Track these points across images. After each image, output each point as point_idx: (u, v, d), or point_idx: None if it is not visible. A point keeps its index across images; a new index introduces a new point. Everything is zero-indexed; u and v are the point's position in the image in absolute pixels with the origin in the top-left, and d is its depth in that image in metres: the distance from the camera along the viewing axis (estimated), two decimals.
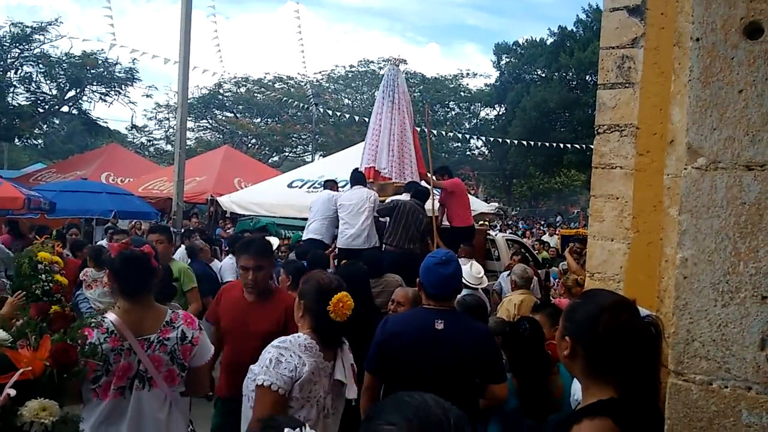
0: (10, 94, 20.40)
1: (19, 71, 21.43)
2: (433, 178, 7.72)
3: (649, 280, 2.21)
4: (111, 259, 2.59)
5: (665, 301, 1.90)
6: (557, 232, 18.06)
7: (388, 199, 7.17)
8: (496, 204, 21.57)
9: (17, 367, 1.87)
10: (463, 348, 2.87)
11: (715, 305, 1.42)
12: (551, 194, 46.25)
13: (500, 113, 39.51)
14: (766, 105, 1.37)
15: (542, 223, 29.02)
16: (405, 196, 6.99)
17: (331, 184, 8.05)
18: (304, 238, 7.22)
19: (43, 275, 4.77)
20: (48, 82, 22.10)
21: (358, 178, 7.31)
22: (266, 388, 2.27)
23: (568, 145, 24.73)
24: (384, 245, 6.58)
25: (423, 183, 7.62)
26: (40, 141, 32.32)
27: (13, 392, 1.81)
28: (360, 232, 6.62)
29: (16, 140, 23.45)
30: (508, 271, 6.56)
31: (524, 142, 25.11)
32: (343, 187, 8.51)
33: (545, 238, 17.38)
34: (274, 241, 6.51)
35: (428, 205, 7.19)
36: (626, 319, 1.64)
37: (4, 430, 1.81)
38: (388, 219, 6.74)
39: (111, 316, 2.48)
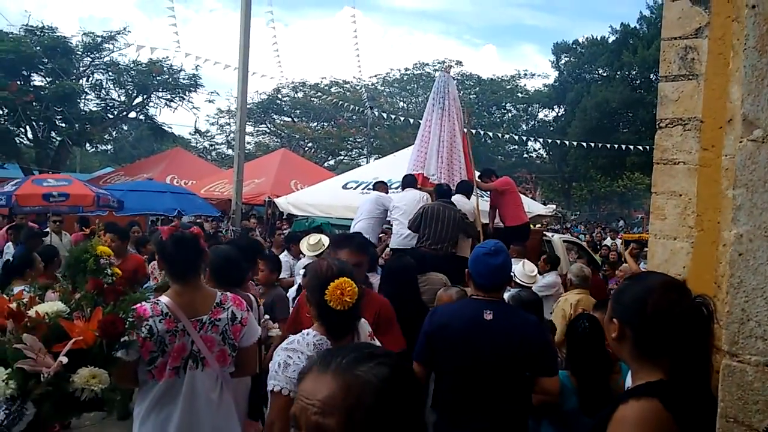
0: (82, 101, 21.50)
1: (90, 79, 22.58)
2: (478, 181, 7.69)
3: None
4: (161, 242, 2.67)
5: (722, 287, 1.82)
6: (619, 237, 17.51)
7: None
8: (554, 206, 21.09)
9: (71, 336, 1.96)
10: (512, 339, 2.83)
11: None
12: (613, 198, 44.88)
13: (559, 114, 38.73)
14: None
15: (603, 227, 28.20)
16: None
17: (380, 186, 8.13)
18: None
19: (108, 269, 5.05)
20: (117, 89, 23.17)
21: (409, 181, 7.37)
22: (277, 393, 2.25)
23: (631, 147, 23.89)
24: (420, 248, 6.53)
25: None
26: (109, 147, 33.92)
27: (65, 360, 1.90)
28: (412, 233, 6.63)
29: (87, 145, 24.67)
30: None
31: (584, 144, 24.43)
32: (394, 188, 8.56)
33: (606, 242, 16.87)
34: (326, 240, 6.58)
35: (468, 205, 7.12)
36: (675, 299, 1.59)
37: (56, 396, 1.89)
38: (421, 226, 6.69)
39: (164, 299, 2.58)
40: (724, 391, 1.41)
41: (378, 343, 2.65)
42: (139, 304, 2.44)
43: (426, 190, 7.69)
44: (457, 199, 6.99)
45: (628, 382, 2.03)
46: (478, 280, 2.99)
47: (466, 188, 7.20)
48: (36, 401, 1.87)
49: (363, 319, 2.60)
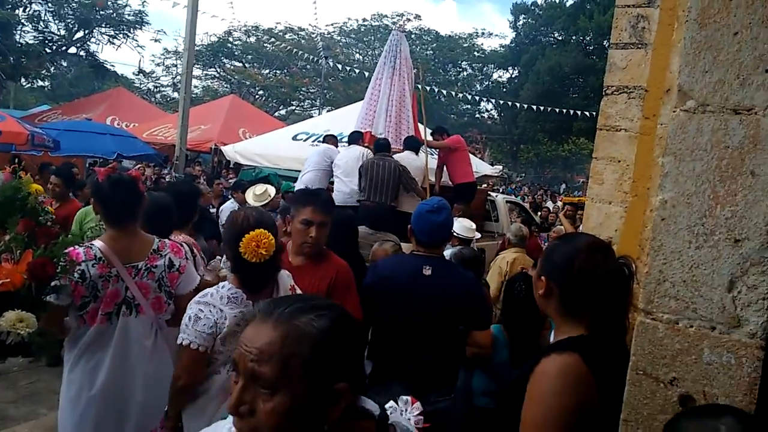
0: (18, 33, 20.14)
1: (28, 9, 21.12)
2: (429, 139, 7.74)
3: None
4: (98, 184, 2.56)
5: (645, 249, 1.92)
6: (560, 199, 18.02)
7: None
8: (501, 167, 21.43)
9: None
10: (448, 293, 2.91)
11: (689, 247, 1.43)
12: (558, 162, 45.99)
13: (513, 76, 38.96)
14: (760, 48, 1.34)
15: (545, 189, 28.92)
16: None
17: (330, 139, 8.09)
18: (296, 188, 7.24)
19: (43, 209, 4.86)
20: (56, 21, 21.80)
21: (354, 137, 7.34)
22: (186, 346, 2.22)
23: (579, 112, 24.38)
24: (358, 202, 6.58)
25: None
26: (46, 83, 32.12)
27: None
28: (354, 191, 6.62)
29: (23, 80, 23.30)
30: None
31: (534, 107, 24.77)
32: (345, 143, 8.50)
33: (548, 204, 17.36)
34: (272, 191, 6.52)
35: (416, 161, 7.15)
36: (600, 259, 1.68)
37: None
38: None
39: (98, 243, 2.50)
40: (637, 346, 1.49)
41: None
42: (72, 248, 2.36)
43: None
44: (405, 155, 6.99)
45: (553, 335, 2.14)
46: (419, 237, 3.04)
47: (413, 144, 7.20)
48: None
49: (285, 272, 2.57)
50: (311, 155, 7.59)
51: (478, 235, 6.39)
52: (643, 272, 1.51)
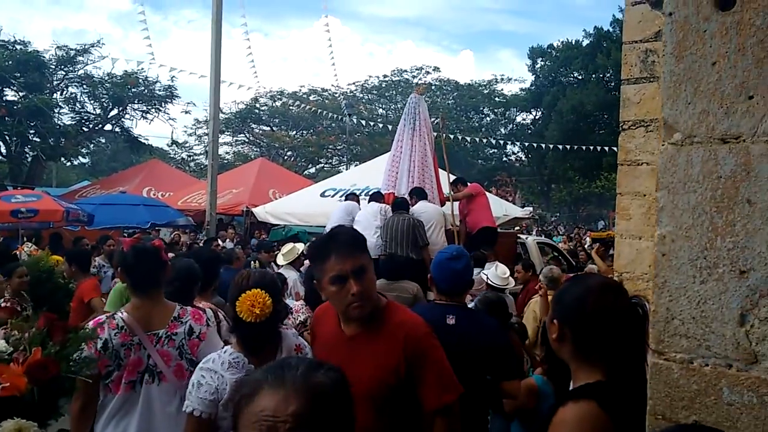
0: (56, 115, 21.22)
1: (64, 92, 22.30)
2: (451, 194, 7.87)
3: None
4: (122, 254, 2.66)
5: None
6: (587, 235, 17.69)
7: None
8: (530, 209, 21.23)
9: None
10: (473, 343, 2.85)
11: (693, 282, 1.39)
12: (591, 199, 45.26)
13: (536, 117, 39.13)
14: (740, 77, 1.34)
15: (582, 228, 28.45)
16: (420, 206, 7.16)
17: (352, 197, 8.34)
18: None
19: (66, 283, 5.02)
20: (91, 102, 22.91)
21: (375, 197, 7.61)
22: (189, 414, 2.22)
23: (606, 148, 24.19)
24: (378, 257, 6.68)
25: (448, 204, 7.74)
26: (86, 160, 33.56)
27: None
28: (373, 243, 6.70)
29: (63, 159, 24.38)
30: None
31: (561, 147, 24.71)
32: (364, 197, 8.66)
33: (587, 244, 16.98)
34: (300, 247, 6.59)
35: (431, 208, 7.28)
36: (612, 300, 1.63)
37: None
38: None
39: (121, 313, 2.56)
40: (652, 389, 1.44)
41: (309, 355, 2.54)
42: (96, 319, 2.42)
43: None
44: (419, 206, 7.17)
45: None
46: (440, 285, 3.02)
47: (419, 193, 7.43)
48: None
49: (291, 331, 2.56)
50: (335, 211, 7.80)
51: (512, 283, 6.30)
52: (651, 310, 1.47)
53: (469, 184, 8.21)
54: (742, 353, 1.33)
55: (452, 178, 8.34)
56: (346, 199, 8.43)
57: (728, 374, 1.34)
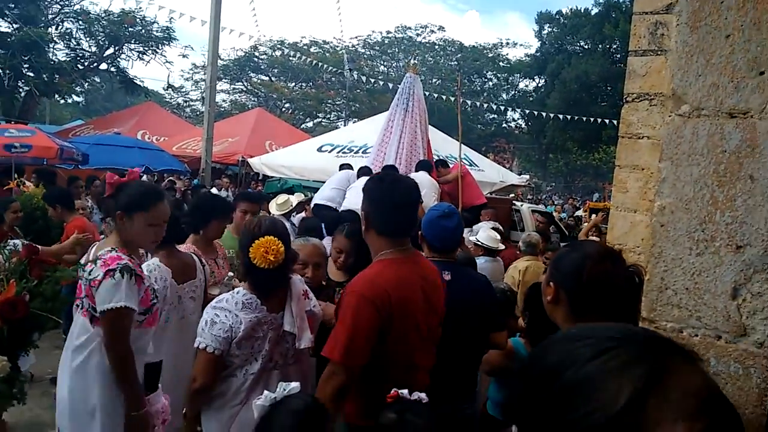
0: (51, 50, 20.72)
1: (60, 27, 21.74)
2: (443, 179, 7.88)
3: None
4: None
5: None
6: (584, 208, 17.76)
7: None
8: (527, 177, 21.25)
9: None
10: (468, 297, 2.90)
11: (690, 253, 1.41)
12: (588, 171, 45.27)
13: (539, 85, 38.69)
14: (753, 51, 1.32)
15: (577, 198, 28.53)
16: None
17: (346, 167, 8.31)
18: (314, 200, 7.39)
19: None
20: (87, 39, 22.34)
21: (364, 172, 7.51)
22: (202, 349, 2.29)
23: (607, 120, 24.06)
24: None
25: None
26: (80, 99, 32.99)
27: None
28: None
29: (57, 96, 23.95)
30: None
31: (562, 116, 24.53)
32: (368, 153, 8.63)
33: (579, 213, 17.06)
34: (294, 200, 6.60)
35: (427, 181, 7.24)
36: (609, 267, 1.65)
37: None
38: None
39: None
40: None
41: (314, 302, 2.65)
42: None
43: None
44: (418, 175, 7.14)
45: None
46: (433, 243, 3.04)
47: (425, 166, 7.41)
48: None
49: (298, 277, 2.61)
50: (333, 175, 7.88)
51: (502, 246, 6.35)
52: (645, 279, 1.49)
53: (449, 165, 8.22)
54: (732, 326, 1.36)
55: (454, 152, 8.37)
56: (340, 169, 8.44)
57: (717, 345, 1.37)
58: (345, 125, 27.16)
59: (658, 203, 1.44)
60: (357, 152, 10.89)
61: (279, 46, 35.48)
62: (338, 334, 2.18)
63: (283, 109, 35.17)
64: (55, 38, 21.03)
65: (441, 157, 8.75)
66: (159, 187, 2.66)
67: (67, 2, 21.16)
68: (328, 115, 37.78)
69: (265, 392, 1.88)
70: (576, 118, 24.35)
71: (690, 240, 1.41)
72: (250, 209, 4.17)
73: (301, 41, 37.65)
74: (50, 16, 21.30)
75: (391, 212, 2.31)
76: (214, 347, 2.28)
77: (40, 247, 4.15)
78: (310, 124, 36.20)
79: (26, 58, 19.28)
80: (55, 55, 21.11)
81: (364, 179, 7.14)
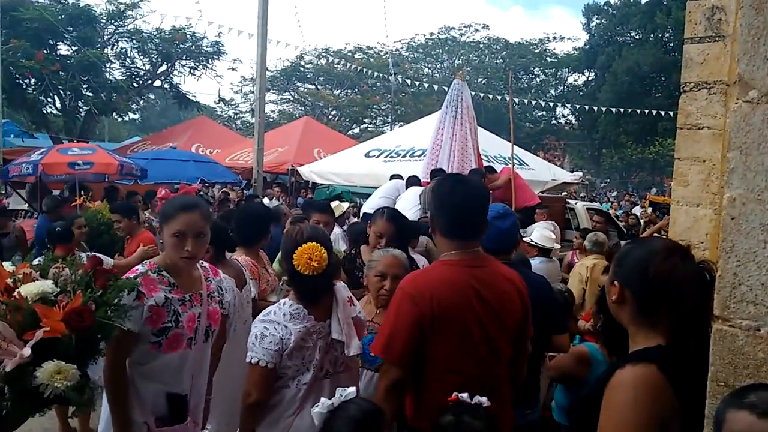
0: (107, 70, 21.66)
1: (115, 47, 22.67)
2: (493, 185, 7.79)
3: None
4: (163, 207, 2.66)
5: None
6: (643, 203, 17.15)
7: None
8: (580, 174, 20.72)
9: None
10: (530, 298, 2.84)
11: (764, 247, 1.33)
12: (645, 165, 43.84)
13: (589, 79, 37.77)
14: None
15: (634, 194, 27.62)
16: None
17: (396, 177, 8.27)
18: (364, 209, 7.44)
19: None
20: (141, 57, 23.25)
21: (413, 182, 7.52)
22: (254, 364, 2.29)
23: (663, 112, 23.23)
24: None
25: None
26: (137, 116, 34.26)
27: (27, 352, 1.70)
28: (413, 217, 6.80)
29: (115, 114, 24.97)
30: None
31: (614, 110, 23.83)
32: (417, 157, 8.61)
33: (636, 210, 16.47)
34: (345, 205, 6.68)
35: None
36: (677, 263, 1.56)
37: (19, 390, 1.73)
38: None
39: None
40: (715, 356, 1.40)
41: (358, 308, 2.60)
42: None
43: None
44: (410, 192, 7.15)
45: None
46: (488, 245, 2.98)
47: (477, 174, 7.29)
48: None
49: (341, 284, 2.59)
50: (386, 185, 7.88)
51: (557, 246, 6.20)
52: (717, 275, 1.42)
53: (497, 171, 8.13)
54: None
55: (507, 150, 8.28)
56: (390, 179, 8.42)
57: None
58: (391, 130, 27.23)
59: (727, 195, 1.37)
60: (404, 156, 10.90)
61: (324, 54, 35.97)
62: (383, 329, 2.19)
63: (330, 117, 35.58)
64: (111, 58, 21.98)
65: (489, 157, 8.65)
66: (193, 199, 2.62)
67: (121, 23, 22.05)
68: (374, 121, 37.98)
69: (323, 399, 1.88)
70: (629, 111, 23.63)
71: (764, 232, 1.33)
72: (323, 220, 3.98)
73: (345, 48, 38.14)
74: (106, 37, 22.25)
75: (453, 214, 2.26)
76: (266, 361, 2.28)
77: (112, 260, 4.30)
78: (356, 130, 36.48)
79: (85, 79, 20.22)
80: (112, 74, 22.08)
81: (413, 189, 7.20)
